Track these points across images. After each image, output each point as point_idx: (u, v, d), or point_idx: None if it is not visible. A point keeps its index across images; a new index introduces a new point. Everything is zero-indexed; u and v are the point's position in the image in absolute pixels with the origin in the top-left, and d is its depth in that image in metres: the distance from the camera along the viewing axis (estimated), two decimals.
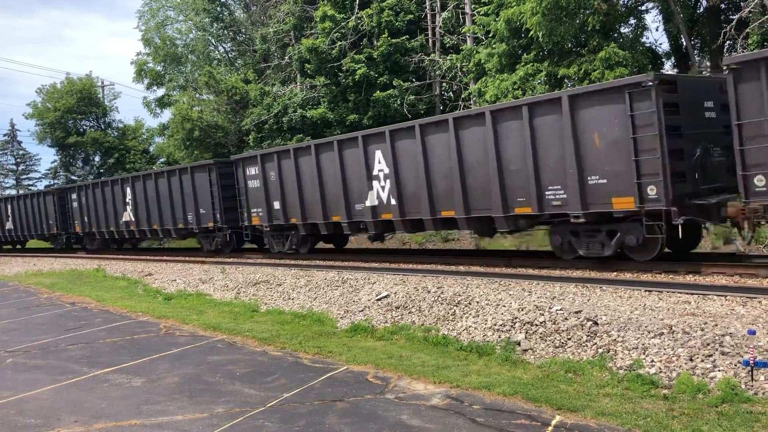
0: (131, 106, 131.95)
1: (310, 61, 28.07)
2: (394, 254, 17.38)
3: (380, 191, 15.12)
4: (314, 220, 17.12)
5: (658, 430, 5.69)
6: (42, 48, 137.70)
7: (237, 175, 19.62)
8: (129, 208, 25.18)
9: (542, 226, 13.28)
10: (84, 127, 46.46)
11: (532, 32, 18.47)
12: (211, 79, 32.20)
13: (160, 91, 43.87)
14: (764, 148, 9.17)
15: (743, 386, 6.29)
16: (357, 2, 28.17)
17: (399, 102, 25.90)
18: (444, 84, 27.50)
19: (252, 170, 19.01)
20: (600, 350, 7.64)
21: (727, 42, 18.63)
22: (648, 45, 21.12)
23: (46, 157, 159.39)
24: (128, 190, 25.15)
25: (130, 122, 49.68)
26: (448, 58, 26.03)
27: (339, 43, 27.43)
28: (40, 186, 54.37)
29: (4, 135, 59.64)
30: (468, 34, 24.94)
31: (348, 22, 27.58)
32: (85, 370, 9.29)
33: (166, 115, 45.32)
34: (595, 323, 8.15)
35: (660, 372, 6.88)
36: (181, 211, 22.13)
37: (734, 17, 17.75)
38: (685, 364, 6.86)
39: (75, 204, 29.44)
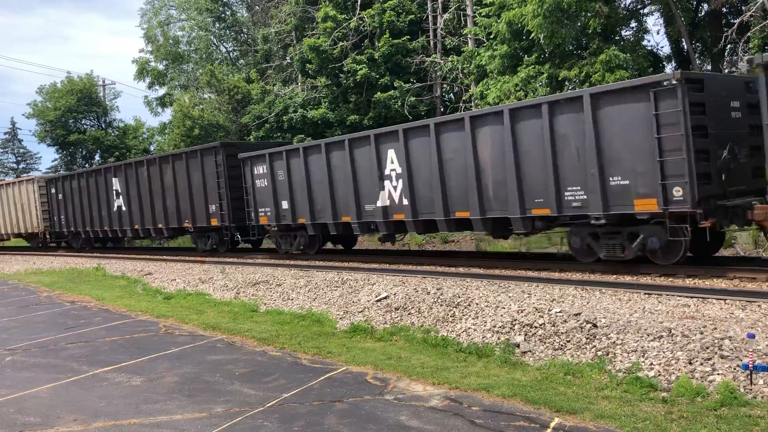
0: (131, 104, 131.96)
1: (312, 61, 28.12)
2: (394, 255, 17.38)
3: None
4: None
5: None
6: (42, 46, 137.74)
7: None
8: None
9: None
10: (84, 126, 46.50)
11: (533, 34, 18.50)
12: (212, 78, 32.23)
13: (161, 90, 43.99)
14: None
15: (742, 390, 6.30)
16: (359, 3, 28.22)
17: (400, 103, 25.93)
18: (445, 86, 27.53)
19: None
20: (599, 353, 7.65)
21: (728, 46, 18.67)
22: (649, 48, 21.18)
23: (47, 155, 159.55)
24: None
25: (130, 121, 49.78)
26: (450, 59, 26.07)
27: (341, 43, 27.47)
28: None
29: (5, 133, 59.62)
30: (469, 36, 24.98)
31: (350, 23, 27.62)
32: (84, 369, 9.30)
33: (167, 114, 45.43)
34: (595, 326, 8.15)
35: (659, 375, 6.88)
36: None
37: (735, 21, 17.78)
38: (684, 367, 6.86)
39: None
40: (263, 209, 18.51)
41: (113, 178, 24.24)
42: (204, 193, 20.22)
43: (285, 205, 17.71)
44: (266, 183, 18.24)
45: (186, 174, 20.82)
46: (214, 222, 19.98)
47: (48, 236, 29.47)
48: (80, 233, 26.82)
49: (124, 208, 23.90)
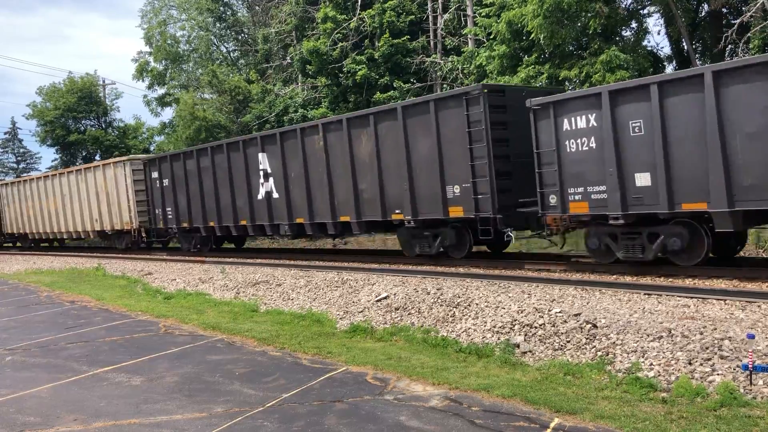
0: (131, 104, 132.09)
1: (312, 62, 28.15)
2: (394, 255, 17.37)
3: None
4: None
5: None
6: (42, 46, 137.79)
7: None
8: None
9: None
10: (84, 126, 46.51)
11: (533, 35, 18.51)
12: (214, 79, 32.24)
13: (161, 90, 44.02)
14: None
15: (742, 390, 6.30)
16: (359, 3, 28.25)
17: None
18: (445, 86, 27.53)
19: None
20: (599, 353, 7.65)
21: (729, 46, 18.68)
22: (649, 49, 21.19)
23: (47, 155, 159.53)
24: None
25: (129, 120, 49.83)
26: (450, 59, 26.09)
27: (340, 44, 27.50)
28: None
29: (5, 133, 59.67)
30: (469, 36, 25.00)
31: (350, 23, 27.66)
32: (84, 369, 9.30)
33: (167, 113, 45.43)
34: (595, 326, 8.16)
35: (659, 375, 6.88)
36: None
37: (735, 22, 17.80)
38: (684, 367, 6.87)
39: (165, 183, 21.39)
40: (578, 189, 11.58)
41: (259, 154, 17.90)
42: (439, 166, 13.56)
43: (643, 180, 10.79)
44: (593, 144, 11.30)
45: (403, 139, 14.17)
46: (456, 212, 13.45)
47: (144, 235, 23.72)
48: (198, 230, 20.51)
49: (276, 195, 17.61)
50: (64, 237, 29.30)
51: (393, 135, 14.48)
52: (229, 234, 19.80)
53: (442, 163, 13.56)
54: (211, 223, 19.91)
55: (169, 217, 21.74)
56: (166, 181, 21.74)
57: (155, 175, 21.84)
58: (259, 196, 18.14)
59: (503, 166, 12.91)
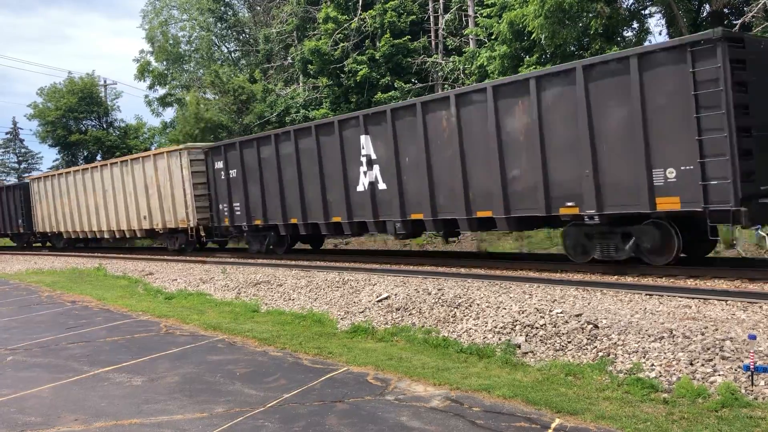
0: (132, 104, 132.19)
1: (313, 62, 28.19)
2: (395, 256, 17.38)
3: None
4: None
5: None
6: (42, 46, 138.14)
7: None
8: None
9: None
10: (85, 126, 46.56)
11: (534, 35, 18.52)
12: (216, 79, 32.25)
13: (162, 90, 44.11)
14: None
15: (743, 391, 6.29)
16: (360, 3, 28.28)
17: None
18: (446, 86, 27.54)
19: None
20: (600, 354, 7.64)
21: None
22: None
23: (49, 155, 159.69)
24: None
25: (131, 120, 49.90)
26: (451, 60, 26.10)
27: (342, 44, 27.53)
28: None
29: (6, 133, 59.82)
30: (470, 36, 25.01)
31: (351, 24, 27.68)
32: (85, 369, 9.30)
33: (169, 113, 45.48)
34: (596, 326, 8.15)
35: (660, 376, 6.88)
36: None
37: (737, 22, 17.78)
38: (686, 368, 6.86)
39: (233, 174, 18.50)
40: None
41: (361, 137, 15.06)
42: (643, 143, 10.29)
43: None
44: None
45: (584, 108, 10.92)
46: (668, 203, 10.20)
47: (204, 234, 20.88)
48: (275, 228, 17.78)
49: (382, 186, 14.80)
50: (105, 236, 26.29)
51: (566, 104, 11.28)
52: (316, 233, 17.04)
53: (647, 138, 10.29)
54: (293, 220, 17.04)
55: (237, 213, 18.74)
56: (233, 172, 18.76)
57: (220, 165, 19.02)
58: (359, 188, 15.24)
59: (744, 141, 9.53)
